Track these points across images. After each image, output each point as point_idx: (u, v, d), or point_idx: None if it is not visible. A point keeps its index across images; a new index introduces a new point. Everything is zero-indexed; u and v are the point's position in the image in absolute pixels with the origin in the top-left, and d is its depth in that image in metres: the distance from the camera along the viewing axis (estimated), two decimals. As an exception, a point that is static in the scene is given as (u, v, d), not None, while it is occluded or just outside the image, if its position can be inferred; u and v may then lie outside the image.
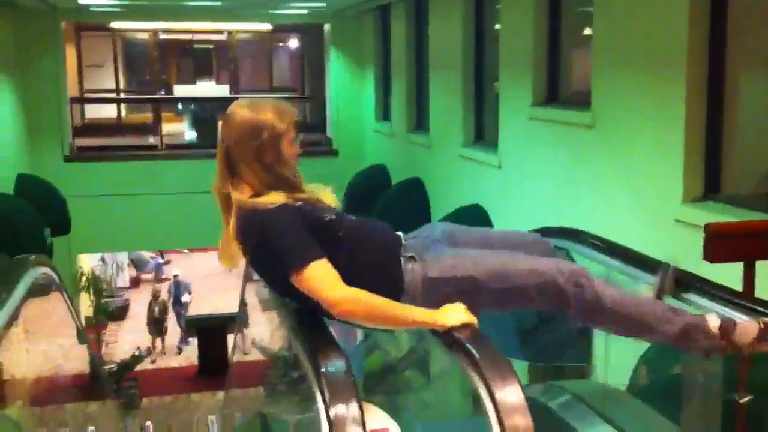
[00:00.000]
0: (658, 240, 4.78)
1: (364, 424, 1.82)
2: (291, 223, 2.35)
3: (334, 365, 1.96)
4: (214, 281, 19.93)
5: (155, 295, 15.28)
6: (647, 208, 5.07)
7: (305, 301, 2.36)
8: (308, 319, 2.37)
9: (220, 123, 2.54)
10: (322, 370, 1.94)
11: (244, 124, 2.44)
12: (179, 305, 15.76)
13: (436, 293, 2.41)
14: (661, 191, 4.90)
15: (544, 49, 6.71)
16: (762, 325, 2.49)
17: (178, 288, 15.97)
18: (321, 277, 2.27)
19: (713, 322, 2.53)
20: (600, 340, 5.10)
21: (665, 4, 4.82)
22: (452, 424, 4.05)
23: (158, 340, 15.01)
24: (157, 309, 14.89)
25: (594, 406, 3.46)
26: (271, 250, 2.33)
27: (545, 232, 4.16)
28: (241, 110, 2.46)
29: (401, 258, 2.46)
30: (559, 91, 6.72)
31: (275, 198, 2.40)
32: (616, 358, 4.85)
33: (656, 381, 3.93)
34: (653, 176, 5.00)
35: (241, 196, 2.43)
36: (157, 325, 14.91)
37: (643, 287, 2.93)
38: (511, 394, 2.02)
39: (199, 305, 16.94)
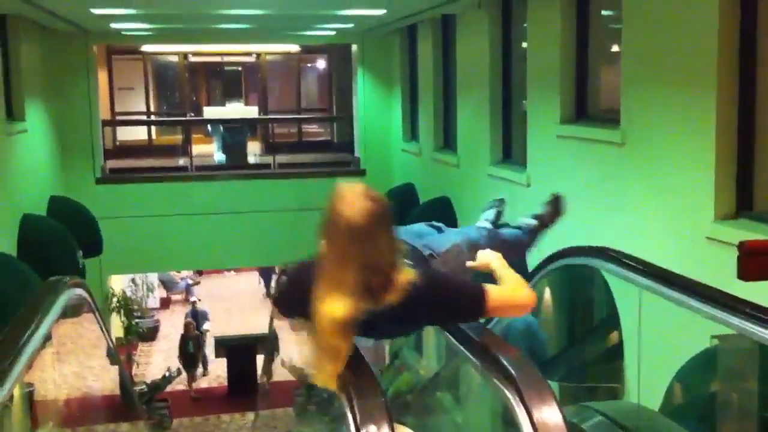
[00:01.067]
0: (689, 258, 4.72)
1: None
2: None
3: (365, 386, 1.96)
4: (244, 301, 20.04)
5: (188, 328, 14.72)
6: (678, 225, 5.02)
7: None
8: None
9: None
10: (354, 391, 1.93)
11: None
12: (200, 335, 15.54)
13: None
14: (692, 208, 4.84)
15: (571, 66, 6.69)
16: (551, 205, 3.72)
17: (196, 316, 15.81)
18: (501, 292, 2.44)
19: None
20: (632, 359, 5.04)
21: (695, 18, 4.79)
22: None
23: (192, 373, 14.40)
24: (191, 343, 14.31)
25: (626, 427, 3.41)
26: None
27: (575, 250, 4.14)
28: None
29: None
30: (587, 108, 6.68)
31: None
32: (648, 378, 4.78)
33: (690, 401, 3.87)
34: (684, 193, 4.94)
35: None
36: (190, 361, 14.20)
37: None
38: (549, 414, 2.00)
39: (229, 325, 17.02)
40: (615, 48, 6.32)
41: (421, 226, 2.97)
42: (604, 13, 6.67)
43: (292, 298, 2.48)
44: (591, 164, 6.29)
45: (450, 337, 2.54)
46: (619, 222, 5.74)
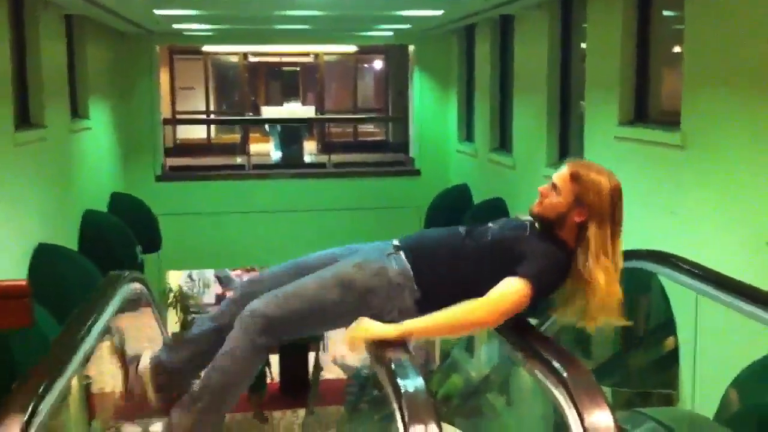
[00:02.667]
0: (750, 264, 4.61)
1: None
2: None
3: (414, 386, 1.97)
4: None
5: None
6: (739, 231, 4.91)
7: None
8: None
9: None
10: (402, 390, 1.94)
11: None
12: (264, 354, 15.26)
13: None
14: (754, 213, 4.73)
15: (631, 66, 6.59)
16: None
17: None
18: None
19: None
20: (688, 365, 4.95)
21: (758, 19, 4.68)
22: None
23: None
24: None
25: (681, 434, 3.35)
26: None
27: (633, 254, 4.08)
28: None
29: None
30: (647, 110, 6.58)
31: None
32: (704, 385, 4.69)
33: (747, 409, 3.78)
34: (746, 198, 4.83)
35: None
36: None
37: None
38: (601, 417, 1.99)
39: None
40: (677, 49, 6.21)
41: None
42: (665, 13, 6.56)
43: None
44: (649, 167, 6.19)
45: (501, 338, 2.54)
46: (677, 226, 5.63)
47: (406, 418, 1.79)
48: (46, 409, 1.70)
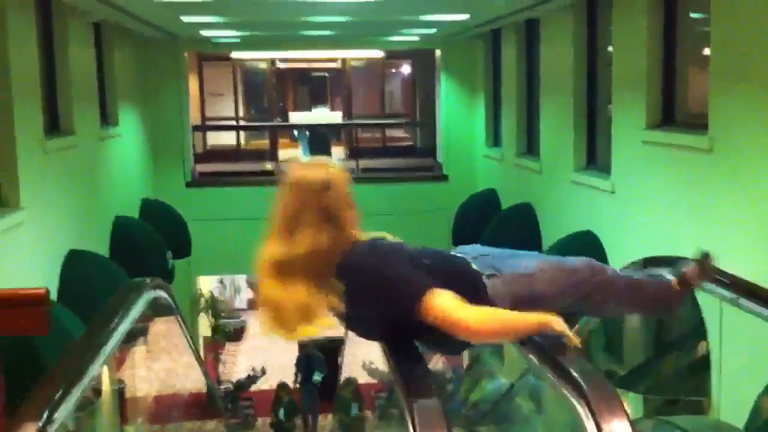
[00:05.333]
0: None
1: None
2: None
3: (425, 394, 1.96)
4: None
5: (279, 391, 11.92)
6: (767, 235, 4.83)
7: (421, 337, 2.44)
8: (403, 347, 2.38)
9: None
10: (413, 399, 1.94)
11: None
12: (311, 385, 12.37)
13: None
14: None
15: (659, 69, 6.52)
16: (698, 264, 2.98)
17: (309, 363, 12.60)
18: (447, 302, 2.28)
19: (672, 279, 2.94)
20: (717, 373, 4.88)
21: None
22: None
23: None
24: (282, 409, 11.66)
25: (707, 443, 3.30)
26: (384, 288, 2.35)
27: (656, 261, 4.03)
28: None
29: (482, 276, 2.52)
30: (674, 112, 6.51)
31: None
32: (734, 393, 4.62)
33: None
34: (775, 202, 4.76)
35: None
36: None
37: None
38: (619, 427, 1.97)
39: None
40: (706, 51, 6.14)
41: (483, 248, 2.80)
42: (692, 15, 6.49)
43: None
44: (677, 171, 6.12)
45: (520, 346, 2.52)
46: (705, 231, 5.56)
47: (417, 428, 1.78)
48: (62, 416, 1.71)
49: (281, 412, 11.55)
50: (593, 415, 1.99)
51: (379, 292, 2.33)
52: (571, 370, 2.17)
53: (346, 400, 10.55)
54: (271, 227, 2.56)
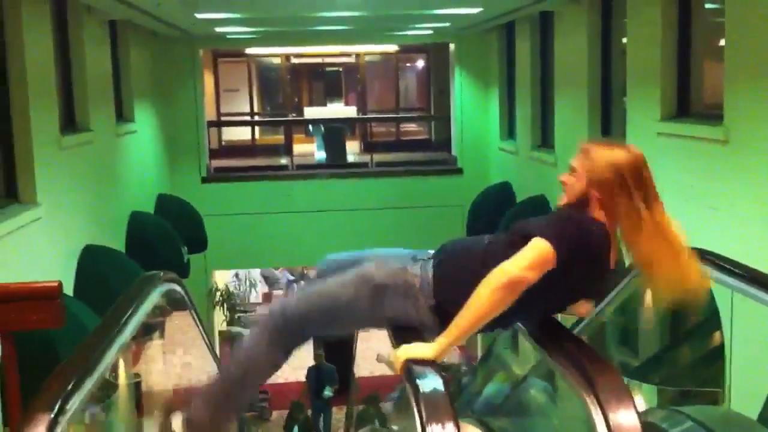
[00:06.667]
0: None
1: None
2: None
3: (432, 384, 1.97)
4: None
5: (293, 410, 11.30)
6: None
7: None
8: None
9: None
10: (420, 388, 1.95)
11: None
12: (321, 402, 11.75)
13: None
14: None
15: (673, 61, 6.49)
16: None
17: (320, 375, 11.85)
18: None
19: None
20: (733, 364, 4.86)
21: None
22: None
23: None
24: (296, 428, 11.06)
25: (719, 434, 3.29)
26: None
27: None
28: None
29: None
30: (689, 104, 6.47)
31: None
32: (748, 384, 4.60)
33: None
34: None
35: None
36: None
37: None
38: (626, 417, 1.97)
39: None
40: (721, 42, 6.10)
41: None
42: (707, 6, 6.45)
43: None
44: (692, 162, 6.08)
45: (530, 338, 2.52)
46: (720, 221, 5.53)
47: (424, 417, 1.80)
48: (75, 407, 1.74)
49: (295, 430, 11.00)
50: (600, 405, 1.99)
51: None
52: (580, 361, 2.18)
53: (369, 416, 10.08)
54: None
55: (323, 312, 2.60)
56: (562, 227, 2.41)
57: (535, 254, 2.31)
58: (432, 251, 2.68)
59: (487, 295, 2.26)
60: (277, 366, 2.71)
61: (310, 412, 11.68)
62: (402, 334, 2.44)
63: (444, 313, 2.43)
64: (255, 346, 2.66)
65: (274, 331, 2.62)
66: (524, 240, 2.38)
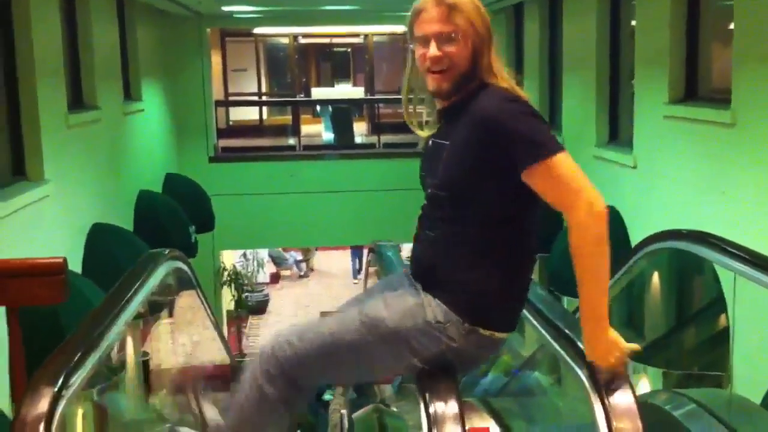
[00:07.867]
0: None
1: (463, 422, 1.83)
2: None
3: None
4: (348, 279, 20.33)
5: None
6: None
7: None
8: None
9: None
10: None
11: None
12: (321, 406, 10.82)
13: None
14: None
15: (681, 44, 6.45)
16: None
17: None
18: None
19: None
20: (737, 349, 4.86)
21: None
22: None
23: None
24: None
25: (721, 417, 3.31)
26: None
27: (675, 234, 4.03)
28: None
29: None
30: (697, 88, 6.45)
31: None
32: (754, 369, 4.61)
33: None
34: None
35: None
36: None
37: None
38: (622, 397, 1.98)
39: (339, 300, 17.29)
40: (730, 26, 6.06)
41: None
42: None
43: None
44: (699, 146, 6.07)
45: (531, 318, 2.54)
46: (727, 205, 5.53)
47: (427, 397, 1.81)
48: (78, 381, 1.76)
49: None
50: (597, 387, 2.01)
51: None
52: (578, 343, 2.19)
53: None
54: None
55: (325, 359, 2.21)
56: (537, 124, 2.12)
57: (572, 171, 2.07)
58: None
59: (597, 246, 1.93)
60: (276, 418, 2.24)
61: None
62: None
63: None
64: (246, 400, 2.22)
65: (267, 380, 2.20)
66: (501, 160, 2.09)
